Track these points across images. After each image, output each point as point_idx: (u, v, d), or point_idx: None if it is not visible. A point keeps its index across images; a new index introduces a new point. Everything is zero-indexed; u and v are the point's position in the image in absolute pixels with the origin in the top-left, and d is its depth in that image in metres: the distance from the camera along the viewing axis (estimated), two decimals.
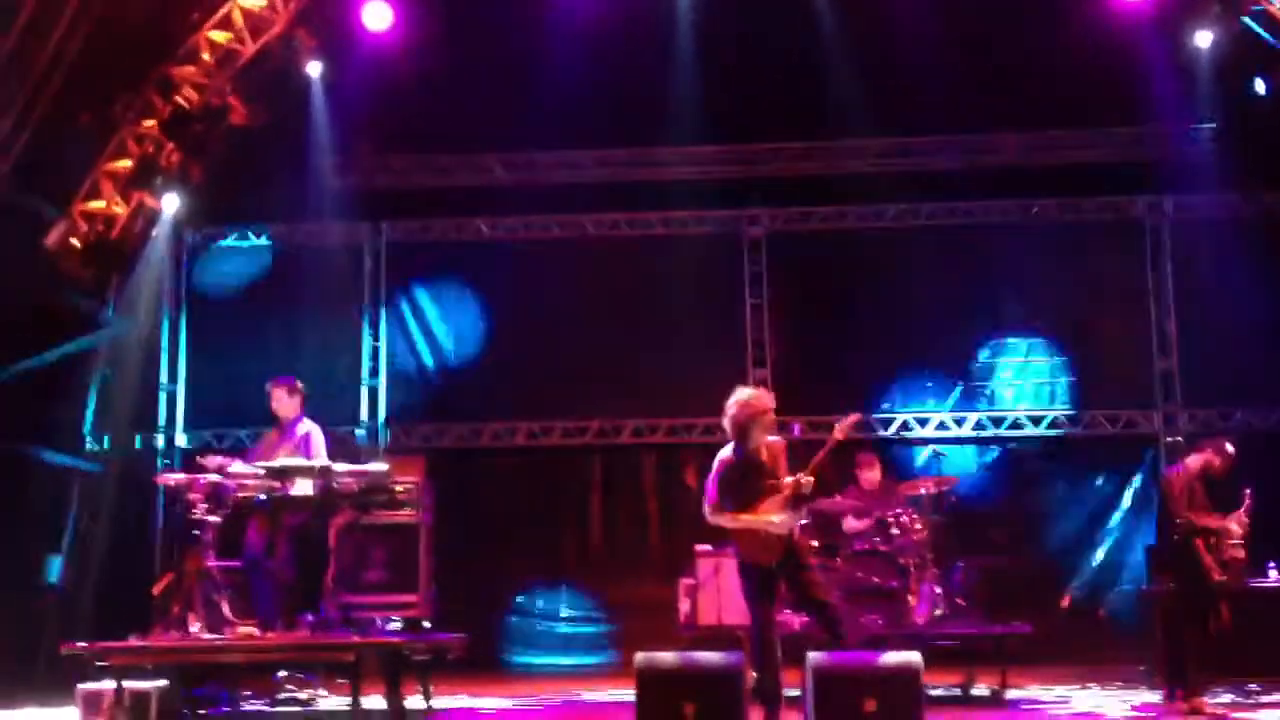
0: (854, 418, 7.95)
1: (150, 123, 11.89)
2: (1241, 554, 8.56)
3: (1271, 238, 12.26)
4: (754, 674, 7.69)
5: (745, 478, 7.79)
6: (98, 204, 12.02)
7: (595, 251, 13.45)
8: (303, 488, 8.96)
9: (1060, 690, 10.02)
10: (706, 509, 7.85)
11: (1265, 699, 9.02)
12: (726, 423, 7.86)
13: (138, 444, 12.86)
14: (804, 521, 7.87)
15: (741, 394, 7.93)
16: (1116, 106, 12.31)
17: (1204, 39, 11.43)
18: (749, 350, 13.25)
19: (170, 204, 12.41)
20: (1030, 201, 13.14)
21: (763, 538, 7.72)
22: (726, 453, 7.92)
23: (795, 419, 10.38)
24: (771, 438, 7.88)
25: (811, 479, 7.72)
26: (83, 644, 8.46)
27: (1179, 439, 12.37)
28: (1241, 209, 12.69)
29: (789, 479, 7.71)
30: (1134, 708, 8.89)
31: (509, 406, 13.31)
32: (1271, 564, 9.41)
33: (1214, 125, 12.19)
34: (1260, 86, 11.38)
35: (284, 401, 9.49)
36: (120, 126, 11.94)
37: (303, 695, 9.56)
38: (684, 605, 10.16)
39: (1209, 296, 12.46)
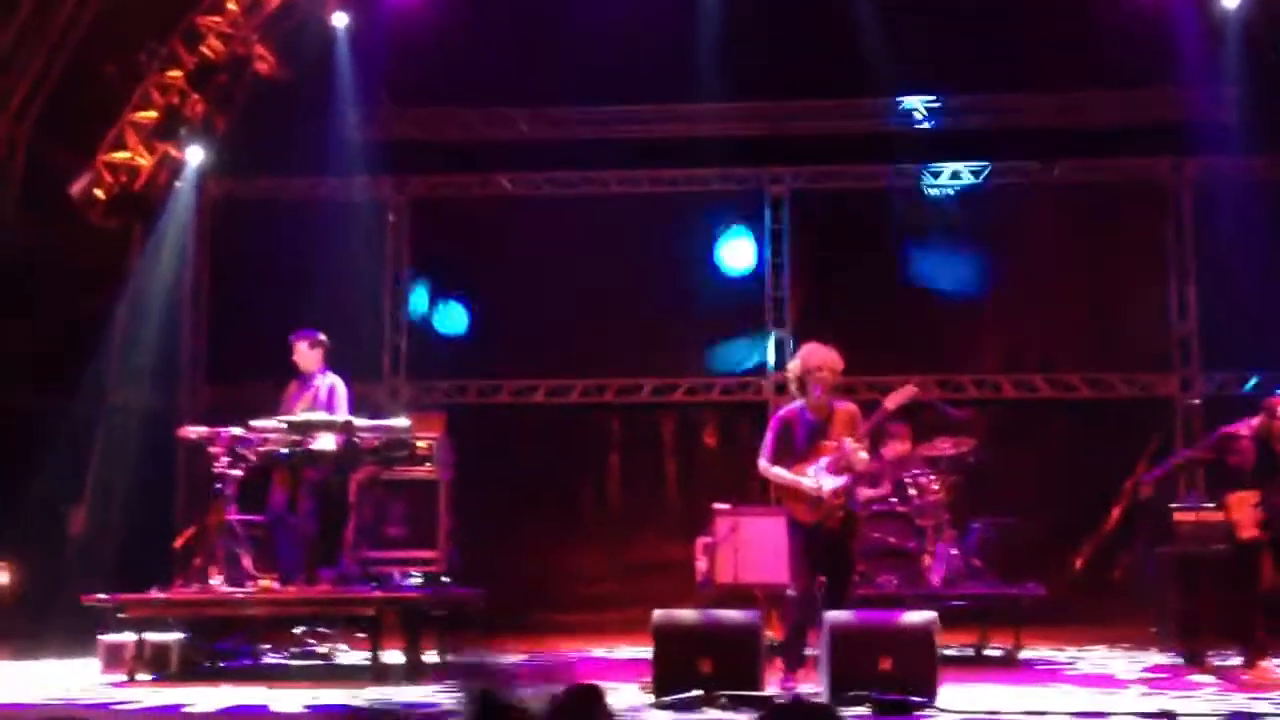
0: (910, 390, 7.94)
1: (175, 73, 11.89)
2: None
3: None
4: (773, 632, 7.77)
5: (800, 434, 7.85)
6: (122, 155, 12.05)
7: (618, 208, 13.42)
8: (324, 442, 9.05)
9: (1072, 651, 10.08)
10: (759, 462, 7.94)
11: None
12: (789, 376, 8.00)
13: (160, 397, 12.92)
14: (845, 486, 7.84)
15: (803, 350, 8.00)
16: (1143, 68, 12.19)
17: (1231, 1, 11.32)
18: (769, 310, 13.26)
19: (195, 155, 12.44)
20: (1054, 163, 13.05)
21: (804, 497, 7.77)
22: (786, 409, 8.00)
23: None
24: (845, 404, 7.92)
25: (859, 445, 7.74)
26: (104, 596, 8.58)
27: (1196, 401, 12.35)
28: (1265, 173, 12.58)
29: (832, 443, 7.75)
30: (1145, 669, 8.93)
31: (529, 364, 13.35)
32: None
33: (1240, 88, 12.06)
34: None
35: (305, 355, 9.56)
36: (145, 77, 11.95)
37: (322, 649, 9.67)
38: (701, 564, 10.20)
39: (1230, 260, 12.36)
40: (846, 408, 7.91)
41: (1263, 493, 8.53)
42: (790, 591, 7.97)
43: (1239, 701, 7.36)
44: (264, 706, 7.31)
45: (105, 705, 7.50)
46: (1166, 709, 6.88)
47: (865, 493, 9.98)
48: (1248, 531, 8.51)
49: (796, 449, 7.85)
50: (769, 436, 7.93)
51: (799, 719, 3.54)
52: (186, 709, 7.24)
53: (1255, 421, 8.73)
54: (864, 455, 7.83)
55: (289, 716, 7.03)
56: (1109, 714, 6.85)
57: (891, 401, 7.89)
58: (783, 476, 7.84)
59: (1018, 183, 13.15)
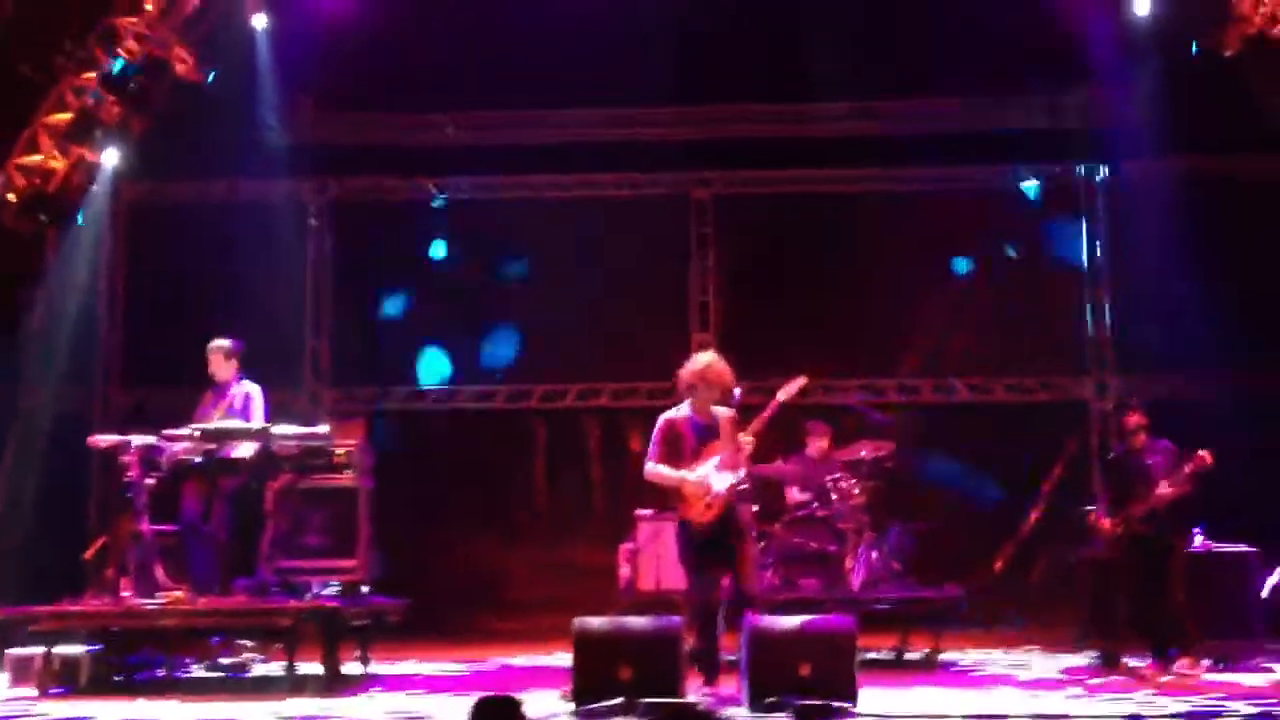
0: (800, 381, 8.08)
1: (91, 75, 11.68)
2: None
3: (1205, 203, 12.35)
4: (691, 638, 7.79)
5: (687, 438, 7.93)
6: (35, 158, 11.82)
7: (543, 213, 13.37)
8: (241, 450, 8.94)
9: (991, 653, 10.18)
10: (645, 466, 7.95)
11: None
12: (681, 381, 8.02)
13: (74, 402, 12.68)
14: (741, 486, 7.91)
15: (696, 358, 8.09)
16: (1054, 71, 12.37)
17: (1142, 3, 11.50)
18: (694, 314, 13.28)
19: (110, 158, 12.23)
20: (969, 168, 13.19)
21: (695, 497, 7.81)
22: (672, 412, 8.03)
23: (737, 383, 10.42)
24: (723, 410, 7.96)
25: (750, 440, 7.82)
26: (12, 608, 8.40)
27: (1110, 405, 12.53)
28: (1175, 174, 12.78)
29: (721, 443, 7.81)
30: (1063, 670, 9.04)
31: (451, 369, 13.26)
32: (1197, 529, 9.54)
33: (1149, 90, 12.25)
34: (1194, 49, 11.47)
35: (221, 364, 9.46)
36: (61, 78, 11.73)
37: (238, 660, 9.53)
38: (624, 570, 10.20)
39: (1143, 263, 12.56)
40: (729, 413, 8.01)
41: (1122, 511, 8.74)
42: (691, 595, 8.00)
43: (1141, 699, 7.48)
44: None
45: None
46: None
47: (796, 496, 10.05)
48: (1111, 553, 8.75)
49: (685, 452, 7.91)
50: (655, 439, 7.99)
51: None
52: None
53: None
54: (747, 455, 7.91)
55: None
56: (1025, 715, 6.91)
57: (783, 394, 7.99)
58: (669, 476, 7.89)
59: (937, 188, 13.25)
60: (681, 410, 8.03)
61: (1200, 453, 8.53)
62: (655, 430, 8.02)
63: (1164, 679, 8.33)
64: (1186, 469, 8.54)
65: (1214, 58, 11.21)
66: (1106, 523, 8.77)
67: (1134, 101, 12.34)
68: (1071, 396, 12.97)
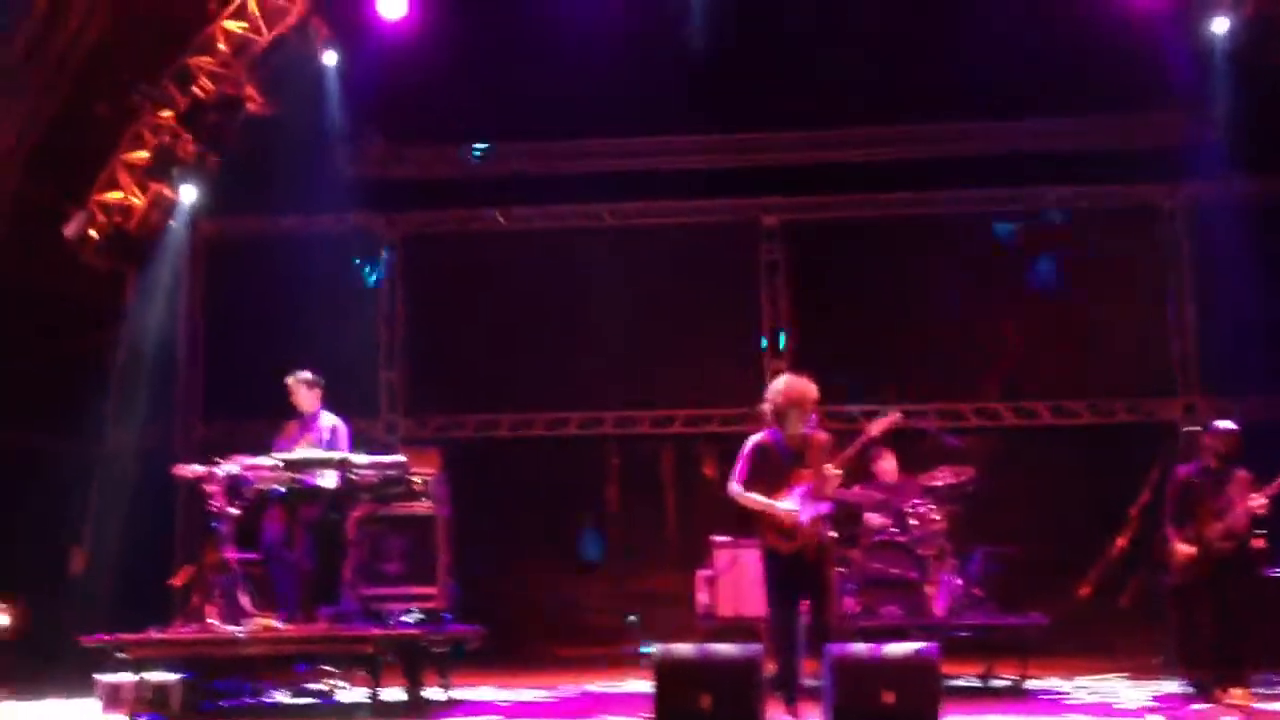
0: (894, 417, 8.01)
1: (167, 113, 11.90)
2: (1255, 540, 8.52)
3: None
4: (772, 665, 7.73)
5: (775, 463, 7.86)
6: (115, 195, 12.07)
7: (613, 240, 13.42)
8: (322, 479, 9.02)
9: (1079, 680, 10.00)
10: (730, 486, 7.89)
11: None
12: (766, 408, 7.94)
13: (157, 436, 12.86)
14: (823, 513, 7.85)
15: (781, 381, 8.04)
16: (1135, 92, 12.24)
17: (1220, 25, 11.37)
18: (766, 341, 13.24)
19: (188, 194, 12.43)
20: (1049, 189, 13.07)
21: (780, 525, 7.75)
22: (761, 436, 7.97)
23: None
24: (819, 433, 7.93)
25: (838, 472, 7.76)
26: (103, 636, 8.51)
27: (1198, 428, 12.30)
28: (1257, 192, 12.60)
29: (809, 470, 7.76)
30: (1155, 698, 8.87)
31: (526, 398, 13.31)
32: None
33: (1228, 108, 12.10)
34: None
35: (305, 395, 9.56)
36: (137, 117, 11.97)
37: (323, 687, 9.59)
38: (702, 597, 10.16)
39: (1228, 283, 12.38)
40: (821, 437, 7.93)
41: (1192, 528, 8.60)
42: (771, 623, 7.94)
43: None
44: None
45: None
46: None
47: (875, 520, 9.96)
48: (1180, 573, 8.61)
49: (774, 477, 7.84)
50: (742, 462, 7.92)
51: None
52: None
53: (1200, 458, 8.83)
54: (837, 483, 7.84)
55: None
56: None
57: (875, 428, 7.93)
58: (757, 501, 7.82)
59: (1016, 209, 13.14)
60: (771, 434, 7.97)
61: None
62: (744, 451, 7.96)
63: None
64: (1269, 489, 8.37)
65: None
66: (1181, 546, 8.60)
67: (1213, 120, 12.19)
68: (1158, 418, 12.74)
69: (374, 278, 13.72)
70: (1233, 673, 8.40)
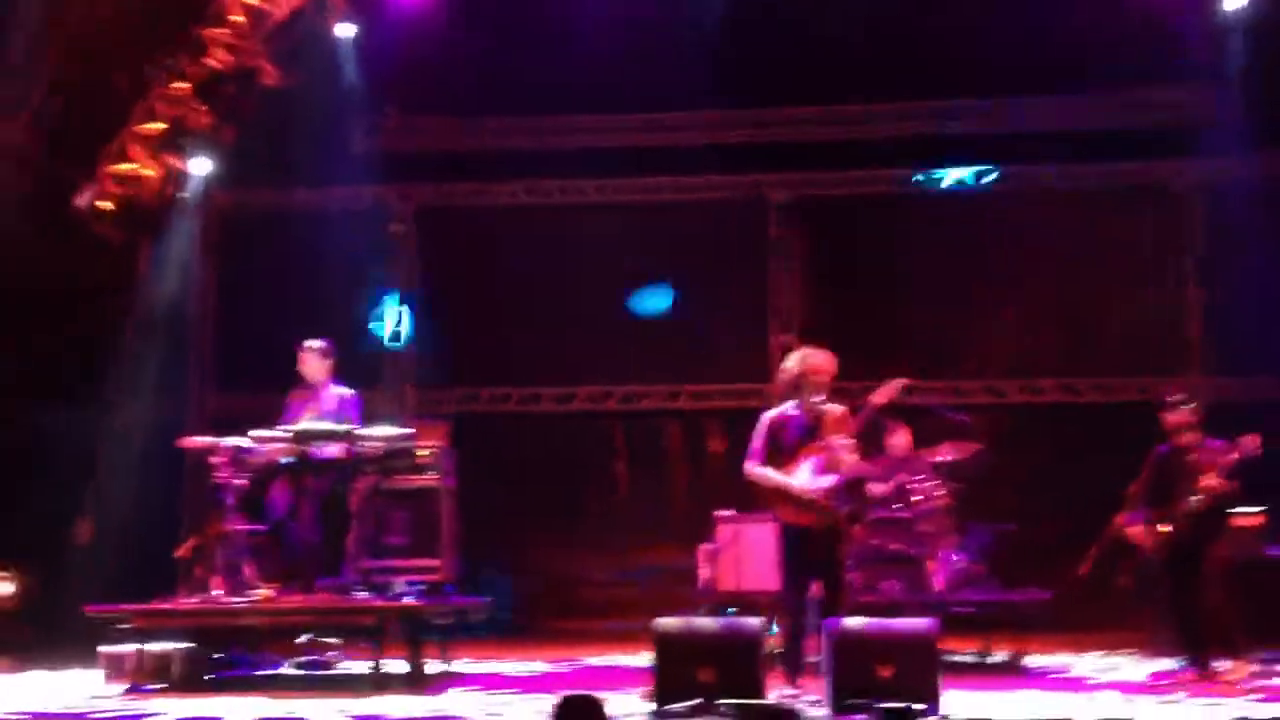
0: (899, 382, 7.97)
1: (182, 85, 11.93)
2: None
3: None
4: (777, 638, 7.78)
5: (790, 438, 7.86)
6: (128, 166, 12.09)
7: (622, 216, 13.43)
8: (328, 451, 9.07)
9: (1078, 657, 10.03)
10: (746, 466, 7.92)
11: None
12: (782, 379, 7.99)
13: (167, 408, 12.95)
14: (836, 486, 7.84)
15: (799, 353, 8.03)
16: (1148, 69, 12.16)
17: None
18: (774, 316, 13.25)
19: (201, 167, 12.48)
20: (1060, 166, 13.02)
21: (793, 500, 7.78)
22: (775, 411, 7.98)
23: None
24: (834, 406, 7.92)
25: (850, 443, 7.76)
26: (106, 606, 8.60)
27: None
28: (1271, 171, 12.51)
29: (822, 443, 7.76)
30: (1152, 675, 8.88)
31: (534, 372, 13.36)
32: None
33: (1242, 85, 12.00)
34: None
35: (316, 364, 9.57)
36: (152, 88, 11.99)
37: (325, 658, 9.67)
38: (704, 571, 10.20)
39: (1238, 263, 12.31)
40: (837, 410, 7.91)
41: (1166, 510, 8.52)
42: (782, 597, 7.98)
43: (1237, 706, 7.34)
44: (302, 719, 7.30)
45: (136, 717, 7.48)
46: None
47: (877, 489, 9.98)
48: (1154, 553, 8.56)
49: (786, 452, 7.85)
50: (757, 440, 7.93)
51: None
52: (234, 718, 7.25)
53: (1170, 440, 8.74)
54: (852, 456, 7.83)
55: None
56: (1106, 719, 6.82)
57: (879, 396, 7.91)
58: (773, 479, 7.84)
59: (1023, 187, 13.10)
60: (786, 409, 7.98)
61: (1244, 439, 8.33)
62: (759, 428, 7.95)
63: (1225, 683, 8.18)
64: (1229, 458, 8.33)
65: None
66: (1139, 527, 8.55)
67: (1227, 97, 12.10)
68: (1160, 398, 12.67)
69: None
70: (1224, 648, 8.38)
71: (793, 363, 7.99)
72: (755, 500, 8.28)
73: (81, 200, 11.79)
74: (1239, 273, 12.32)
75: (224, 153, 12.47)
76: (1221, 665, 8.39)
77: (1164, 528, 8.55)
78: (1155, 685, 8.33)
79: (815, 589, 7.90)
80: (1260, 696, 7.73)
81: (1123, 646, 10.38)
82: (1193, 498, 8.43)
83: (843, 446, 7.75)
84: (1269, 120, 11.88)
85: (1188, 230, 12.93)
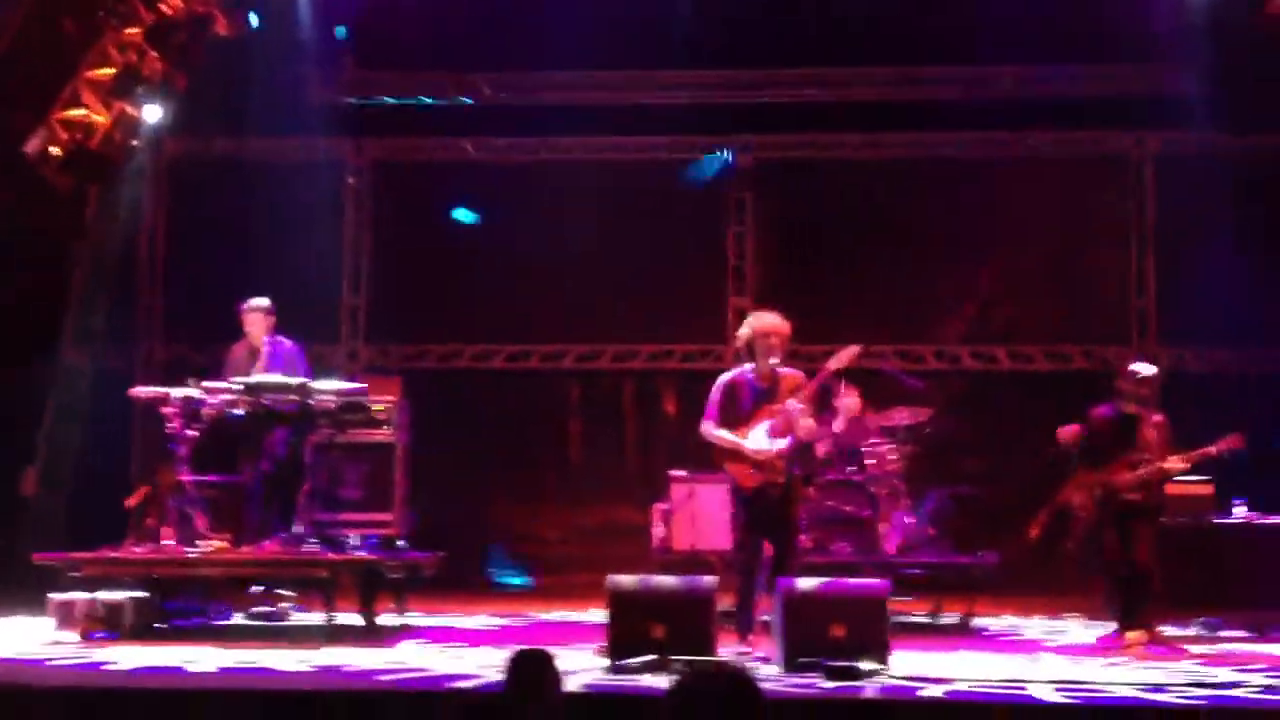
0: (854, 350, 8.02)
1: (133, 30, 11.71)
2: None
3: (1257, 179, 12.21)
4: (729, 597, 7.83)
5: (744, 400, 7.92)
6: (78, 112, 11.86)
7: (581, 174, 13.35)
8: (280, 404, 9.00)
9: (1026, 620, 10.16)
10: (702, 426, 7.96)
11: (1225, 634, 9.16)
12: (738, 341, 8.07)
13: (115, 357, 12.79)
14: (790, 448, 7.88)
15: (754, 316, 8.09)
16: (1111, 41, 12.21)
17: None
18: (730, 279, 13.26)
19: (152, 114, 12.27)
20: (1023, 134, 13.07)
21: (746, 460, 7.82)
22: (732, 373, 8.04)
23: None
24: (789, 370, 7.96)
25: (803, 406, 7.81)
26: (56, 555, 8.51)
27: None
28: (1228, 148, 12.62)
29: (777, 406, 7.81)
30: (1100, 639, 9.00)
31: (489, 329, 13.31)
32: (1239, 501, 9.51)
33: (1205, 63, 12.08)
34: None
35: (259, 323, 9.54)
36: (103, 34, 11.76)
37: (277, 609, 9.64)
38: (657, 530, 10.24)
39: (1192, 235, 12.45)
40: (792, 374, 7.98)
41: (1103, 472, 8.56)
42: (734, 556, 8.04)
43: (1183, 668, 7.47)
44: (266, 668, 7.27)
45: (93, 665, 7.41)
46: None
47: (824, 449, 10.04)
48: (1084, 512, 8.58)
49: (741, 414, 7.91)
50: (713, 400, 7.98)
51: (713, 689, 3.51)
52: (187, 667, 7.21)
53: (1117, 400, 8.78)
54: (808, 420, 7.87)
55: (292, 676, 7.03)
56: (1049, 680, 6.92)
57: (835, 362, 7.97)
58: (726, 439, 7.88)
59: (982, 155, 13.15)
60: (742, 371, 8.02)
61: (1227, 438, 8.41)
62: (714, 390, 8.00)
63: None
64: (1205, 451, 8.42)
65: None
66: (1086, 485, 8.58)
67: (1190, 74, 12.16)
68: (1112, 366, 12.82)
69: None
70: (1133, 615, 8.46)
71: (747, 327, 8.03)
72: (710, 461, 8.32)
73: (30, 146, 11.56)
74: (1193, 247, 12.45)
75: (176, 100, 12.25)
76: (1129, 632, 8.47)
77: (1097, 489, 8.59)
78: (1103, 648, 8.44)
79: (766, 548, 7.96)
80: (1203, 661, 7.86)
81: (1070, 610, 10.53)
82: (1146, 468, 8.49)
83: (797, 410, 7.79)
84: (1229, 94, 11.96)
85: (1143, 202, 13.03)
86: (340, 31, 12.73)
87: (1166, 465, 8.46)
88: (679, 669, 7.02)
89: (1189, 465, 8.55)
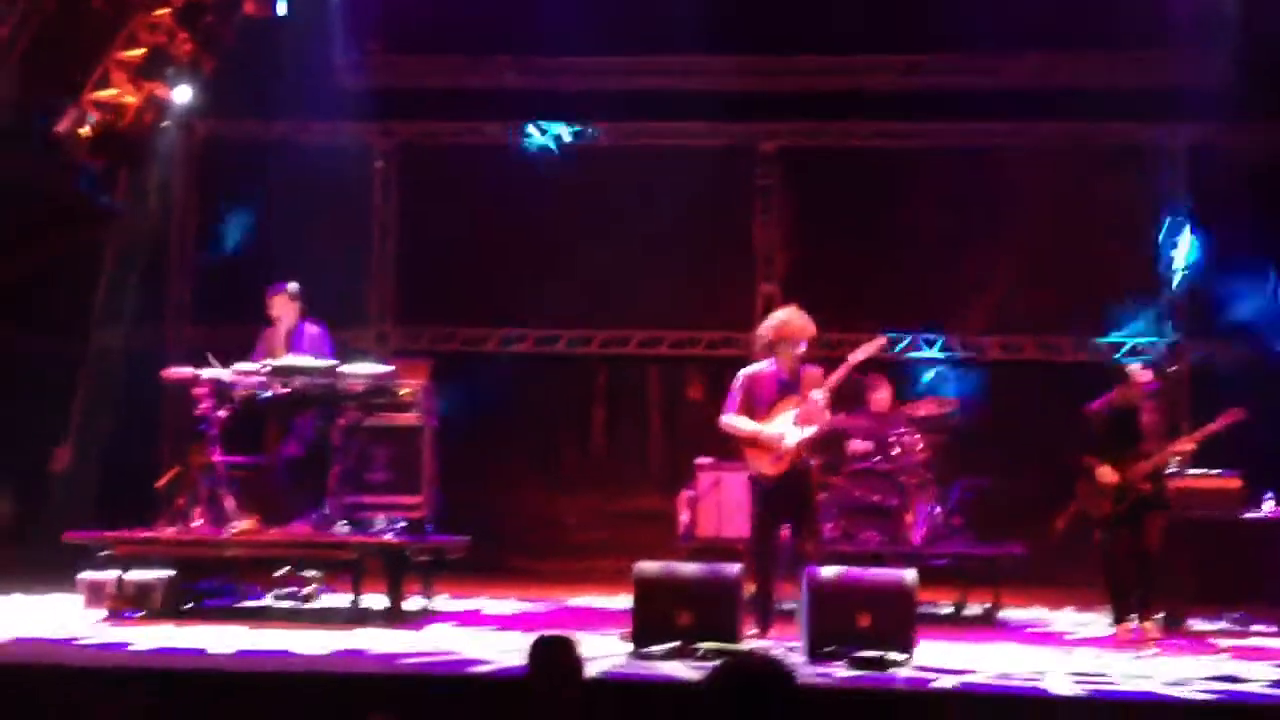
0: (879, 341, 8.07)
1: (163, 11, 11.74)
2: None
3: None
4: (750, 585, 7.85)
5: (766, 393, 7.97)
6: (108, 92, 11.91)
7: (608, 160, 13.34)
8: (309, 387, 9.04)
9: (1053, 612, 10.13)
10: (722, 418, 7.98)
11: (1255, 628, 9.12)
12: (760, 338, 8.12)
13: (145, 337, 12.86)
14: (809, 438, 7.90)
15: (780, 314, 8.12)
16: (1136, 30, 12.12)
17: None
18: (757, 265, 13.23)
19: (182, 95, 12.31)
20: (1045, 123, 12.99)
21: (766, 451, 7.84)
22: (754, 367, 8.08)
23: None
24: (810, 367, 7.97)
25: (825, 397, 7.83)
26: (86, 533, 8.58)
27: (1177, 368, 12.39)
28: (1257, 141, 12.52)
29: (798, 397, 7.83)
30: (1118, 631, 8.95)
31: (516, 313, 13.31)
32: (1268, 495, 9.46)
33: (1229, 53, 11.99)
34: None
35: (287, 306, 9.57)
36: (133, 14, 11.80)
37: (304, 591, 9.69)
38: (684, 517, 10.25)
39: (1218, 227, 12.36)
40: (813, 370, 8.02)
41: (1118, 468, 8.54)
42: (751, 547, 8.06)
43: (1210, 662, 7.44)
44: (290, 650, 7.31)
45: (120, 644, 7.46)
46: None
47: (858, 446, 10.03)
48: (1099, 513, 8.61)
49: (762, 406, 7.93)
50: (734, 393, 8.02)
51: (751, 678, 3.53)
52: (213, 648, 7.26)
53: (1113, 394, 8.77)
54: (826, 411, 7.93)
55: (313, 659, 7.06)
56: (1075, 672, 6.90)
57: (860, 352, 8.00)
58: (745, 428, 7.89)
59: (1011, 143, 13.08)
60: (765, 366, 8.05)
61: (1230, 411, 8.41)
62: (736, 383, 8.05)
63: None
64: (1211, 427, 8.40)
65: None
66: (1103, 471, 8.57)
67: (1213, 64, 12.08)
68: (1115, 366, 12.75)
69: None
70: (1149, 606, 8.48)
71: (772, 323, 8.04)
72: (734, 450, 8.34)
73: (61, 125, 11.62)
74: (1219, 239, 12.36)
75: (205, 82, 12.29)
76: (1140, 624, 8.46)
77: (1111, 480, 8.54)
78: (1130, 642, 8.41)
79: (784, 537, 7.98)
80: (1232, 655, 7.83)
81: (1097, 603, 10.47)
82: (1160, 457, 8.49)
83: (818, 402, 7.79)
84: (1256, 85, 11.87)
85: (1164, 191, 12.94)
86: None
87: (1176, 447, 8.49)
88: (704, 656, 7.06)
89: (1196, 445, 8.59)
